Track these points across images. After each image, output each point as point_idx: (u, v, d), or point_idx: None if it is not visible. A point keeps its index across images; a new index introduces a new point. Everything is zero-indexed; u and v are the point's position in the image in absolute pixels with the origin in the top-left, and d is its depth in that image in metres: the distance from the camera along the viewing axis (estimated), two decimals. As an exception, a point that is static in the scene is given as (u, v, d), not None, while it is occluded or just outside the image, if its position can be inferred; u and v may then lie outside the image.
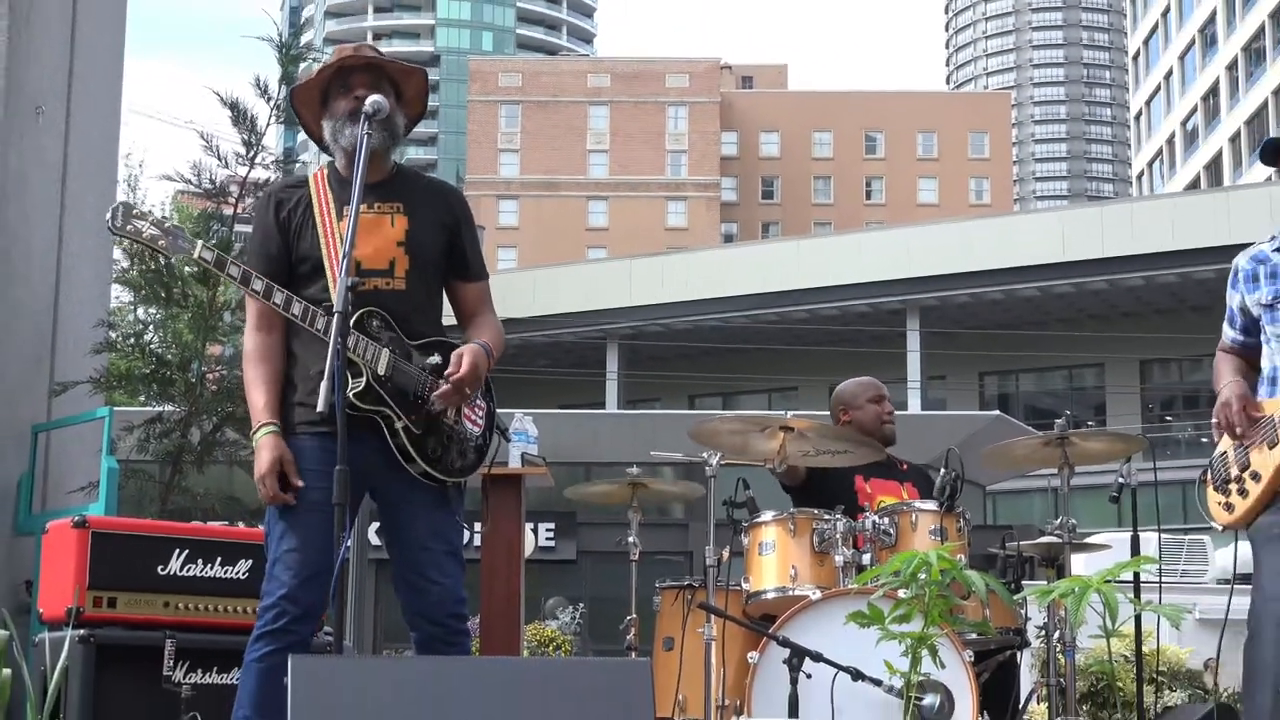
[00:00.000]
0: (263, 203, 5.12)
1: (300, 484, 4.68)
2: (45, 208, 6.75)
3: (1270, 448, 5.08)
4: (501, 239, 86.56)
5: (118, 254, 8.34)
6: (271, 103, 8.74)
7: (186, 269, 7.92)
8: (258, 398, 4.79)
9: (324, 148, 4.99)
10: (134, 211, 4.74)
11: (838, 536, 6.40)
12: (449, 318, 5.08)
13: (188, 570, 5.70)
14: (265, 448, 4.71)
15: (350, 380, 4.55)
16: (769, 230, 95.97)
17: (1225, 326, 5.42)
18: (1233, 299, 5.38)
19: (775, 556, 6.46)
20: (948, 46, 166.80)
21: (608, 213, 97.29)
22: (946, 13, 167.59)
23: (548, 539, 25.96)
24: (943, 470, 6.79)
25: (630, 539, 7.40)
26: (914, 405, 40.38)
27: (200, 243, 4.81)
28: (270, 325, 4.83)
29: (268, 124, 8.70)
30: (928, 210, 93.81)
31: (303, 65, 8.57)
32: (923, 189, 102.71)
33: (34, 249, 6.62)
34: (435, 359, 4.85)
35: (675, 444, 7.50)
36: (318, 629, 4.79)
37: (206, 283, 8.11)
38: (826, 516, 6.45)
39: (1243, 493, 5.17)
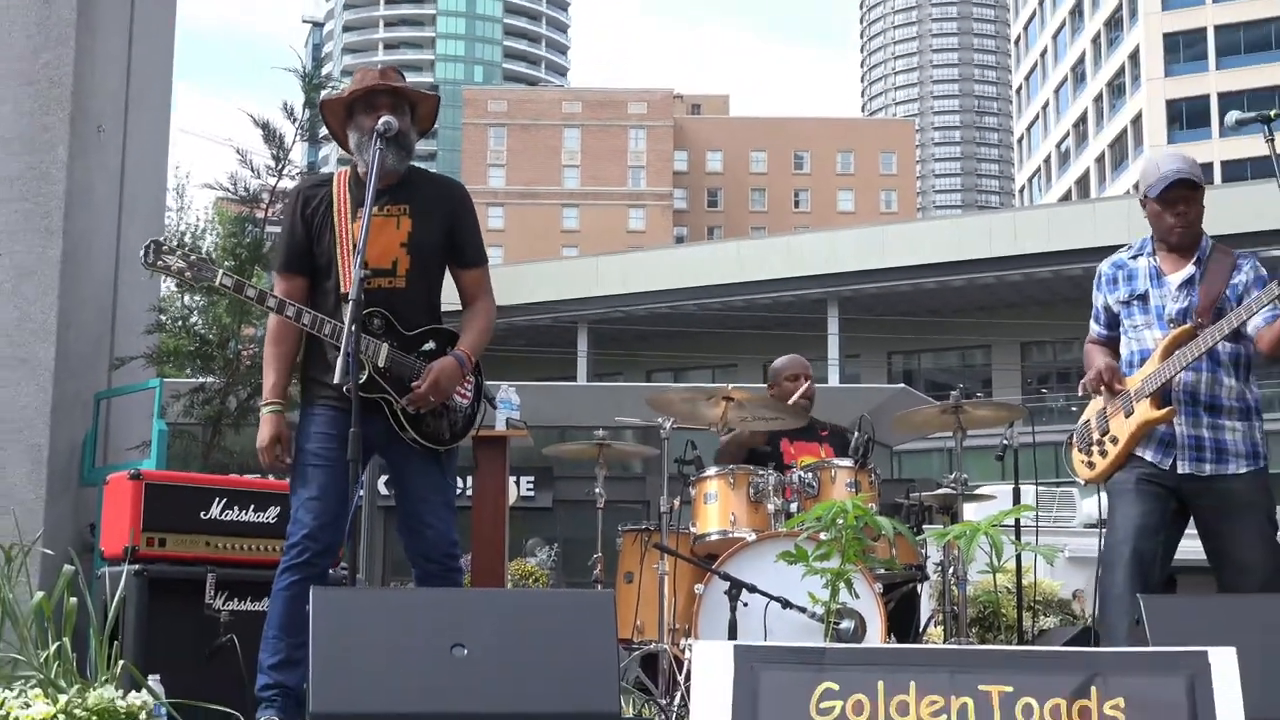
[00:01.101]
0: (293, 198, 5.08)
1: (288, 461, 4.73)
2: (106, 212, 6.71)
3: (1126, 417, 5.14)
4: (490, 239, 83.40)
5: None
6: (296, 123, 8.73)
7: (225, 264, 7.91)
8: (269, 377, 4.83)
9: (347, 150, 4.97)
10: (164, 248, 4.72)
11: (769, 489, 6.42)
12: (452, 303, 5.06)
13: (225, 515, 5.69)
14: (266, 424, 4.76)
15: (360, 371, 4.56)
16: (713, 233, 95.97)
17: (1092, 323, 5.45)
18: (1098, 299, 5.42)
19: (718, 505, 6.47)
20: (863, 80, 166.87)
21: (579, 218, 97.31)
22: (862, 51, 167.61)
23: (528, 490, 25.94)
24: (857, 433, 6.82)
25: (597, 490, 7.40)
26: (833, 379, 40.41)
27: (220, 271, 4.78)
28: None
29: (293, 141, 8.70)
30: (845, 217, 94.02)
31: (324, 91, 8.54)
32: (841, 199, 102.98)
33: (96, 247, 6.58)
34: (430, 346, 4.85)
35: (635, 411, 7.51)
36: (334, 564, 4.79)
37: (241, 274, 8.11)
38: (760, 472, 6.48)
39: (1103, 454, 5.21)
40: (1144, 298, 5.25)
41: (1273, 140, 5.02)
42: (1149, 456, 5.10)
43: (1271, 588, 4.86)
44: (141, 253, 4.68)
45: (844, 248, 44.45)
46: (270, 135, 8.63)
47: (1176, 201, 5.15)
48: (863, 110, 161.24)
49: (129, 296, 7.01)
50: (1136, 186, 5.42)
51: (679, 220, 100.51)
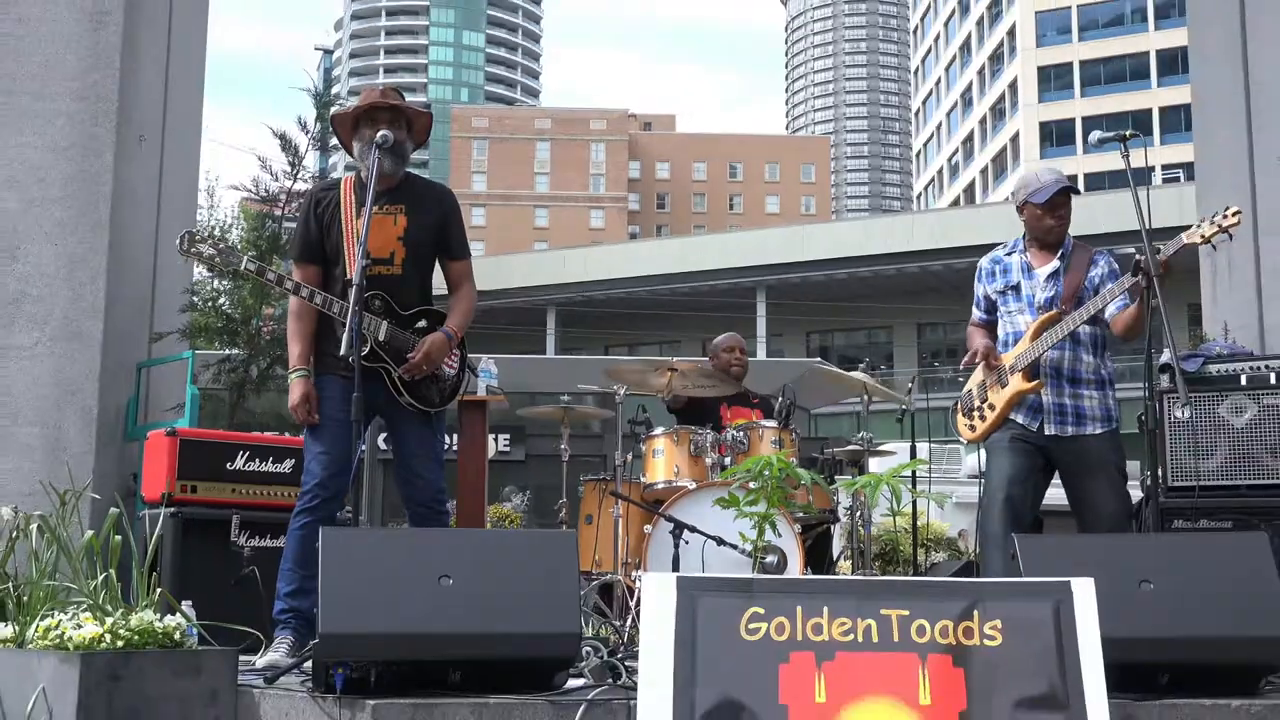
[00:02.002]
0: (307, 199, 5.08)
1: (317, 417, 4.70)
2: (146, 209, 6.64)
3: (1002, 388, 5.17)
4: (473, 235, 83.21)
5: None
6: (309, 135, 8.71)
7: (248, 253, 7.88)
8: (294, 349, 4.80)
9: (353, 157, 4.95)
10: (197, 237, 4.72)
11: (707, 445, 6.43)
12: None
13: (248, 466, 5.66)
14: (296, 387, 4.74)
15: (363, 346, 4.55)
16: (661, 231, 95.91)
17: (974, 309, 5.47)
18: (978, 289, 5.45)
19: (664, 459, 6.48)
20: (787, 103, 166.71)
21: (548, 217, 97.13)
22: (786, 79, 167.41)
23: (505, 446, 25.80)
24: (780, 399, 6.84)
25: (563, 446, 7.38)
26: (761, 354, 40.45)
27: (245, 256, 4.83)
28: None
29: (306, 150, 8.68)
30: (772, 218, 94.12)
31: (333, 108, 8.53)
32: (769, 203, 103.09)
33: (138, 239, 6.52)
34: (423, 324, 4.86)
35: (594, 380, 7.49)
36: (341, 508, 4.77)
37: (262, 262, 8.09)
38: (699, 431, 6.49)
39: (982, 418, 5.24)
40: (1017, 288, 5.28)
41: (1128, 156, 5.08)
42: (1020, 420, 5.13)
43: (1121, 528, 4.92)
44: (177, 241, 4.67)
45: (770, 244, 44.52)
46: (287, 145, 8.63)
47: (1057, 206, 5.19)
48: (787, 128, 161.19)
49: (166, 281, 6.97)
50: (1014, 195, 5.43)
51: (632, 220, 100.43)
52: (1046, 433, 5.08)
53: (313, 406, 4.72)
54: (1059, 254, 5.24)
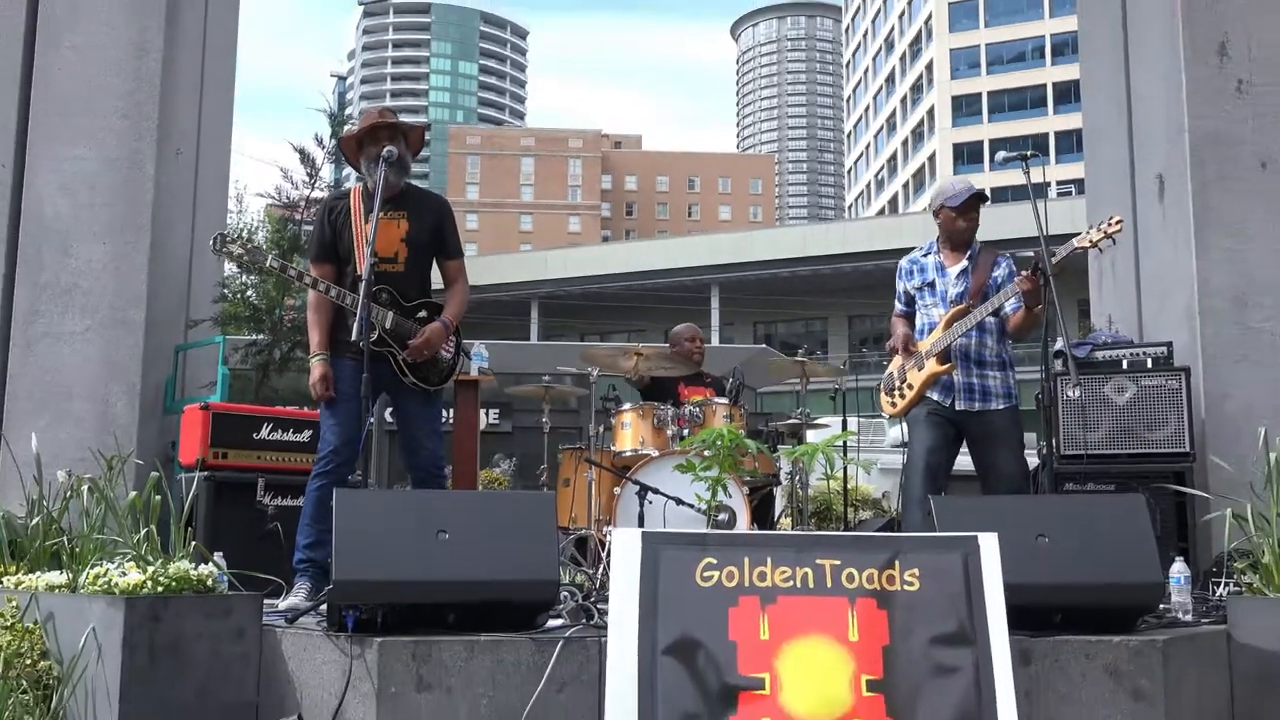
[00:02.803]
0: (322, 208, 5.06)
1: (333, 394, 4.68)
2: (182, 213, 6.56)
3: (919, 370, 5.19)
4: (467, 238, 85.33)
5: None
6: (325, 150, 8.65)
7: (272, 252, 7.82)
8: (314, 336, 4.78)
9: (359, 171, 4.92)
10: (228, 238, 4.71)
11: (668, 419, 6.43)
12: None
13: (272, 436, 5.63)
14: (316, 368, 4.73)
15: (371, 333, 4.53)
16: (629, 235, 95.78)
17: (896, 302, 5.48)
18: (900, 285, 5.46)
19: (631, 430, 6.48)
20: (737, 125, 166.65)
21: (532, 222, 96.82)
22: (737, 104, 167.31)
23: (494, 419, 25.73)
24: (731, 379, 6.85)
25: (544, 420, 7.37)
26: (714, 341, 40.49)
27: (270, 255, 4.82)
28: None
29: (322, 162, 8.63)
30: (725, 224, 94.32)
31: (345, 128, 8.47)
32: (722, 211, 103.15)
33: (175, 239, 6.45)
34: (424, 314, 4.85)
35: (572, 363, 7.48)
36: (352, 472, 4.76)
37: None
38: (661, 407, 6.48)
39: (903, 396, 5.26)
40: (932, 285, 5.29)
41: (1028, 172, 5.10)
42: (935, 397, 5.15)
43: (1020, 490, 4.96)
44: (210, 242, 4.65)
45: (723, 247, 44.58)
46: (305, 158, 8.60)
47: (969, 210, 5.21)
48: (737, 147, 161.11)
49: (200, 276, 6.90)
50: (932, 200, 5.45)
51: (605, 225, 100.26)
52: (957, 408, 5.10)
53: (329, 385, 4.70)
54: (968, 254, 5.26)
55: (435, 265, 4.99)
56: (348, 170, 5.42)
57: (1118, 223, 4.76)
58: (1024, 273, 4.93)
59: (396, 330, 4.74)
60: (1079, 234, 4.85)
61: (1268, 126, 5.47)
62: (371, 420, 4.56)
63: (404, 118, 4.98)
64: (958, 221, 5.21)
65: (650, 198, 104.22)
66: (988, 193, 5.39)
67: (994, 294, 5.10)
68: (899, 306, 5.47)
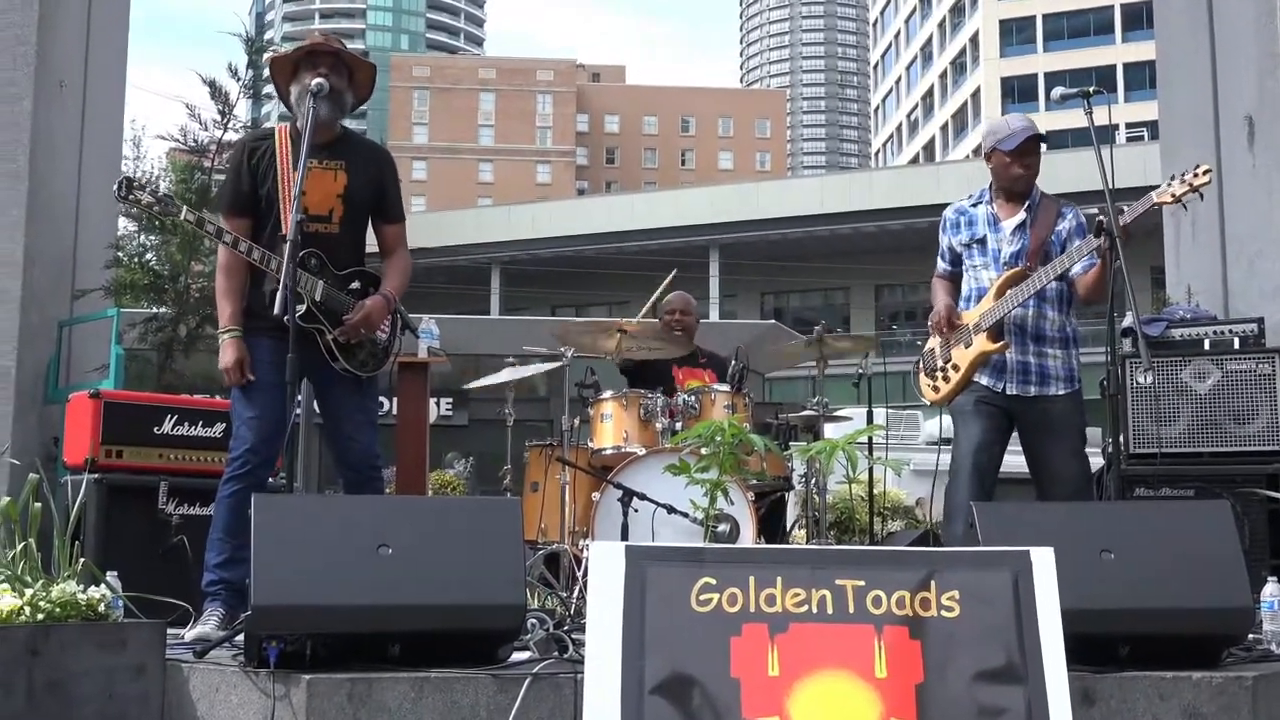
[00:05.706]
0: (239, 149, 5.00)
1: (253, 376, 4.64)
2: (68, 158, 6.54)
3: (966, 347, 5.18)
4: (414, 190, 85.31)
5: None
6: (240, 82, 8.60)
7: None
8: (225, 307, 4.73)
9: (289, 106, 4.88)
10: (135, 184, 4.64)
11: (658, 410, 6.43)
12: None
13: (176, 430, 5.62)
14: (229, 347, 4.68)
15: (299, 304, 4.51)
16: (610, 187, 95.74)
17: (939, 261, 5.47)
18: (943, 240, 5.44)
19: (612, 423, 6.47)
20: (741, 55, 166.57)
21: (493, 171, 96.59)
22: (741, 30, 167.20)
23: (447, 410, 25.77)
24: (734, 362, 6.84)
25: (507, 410, 7.35)
26: (714, 315, 40.55)
27: (185, 208, 4.72)
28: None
29: (237, 98, 8.58)
30: (725, 174, 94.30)
31: (265, 55, 8.41)
32: (722, 159, 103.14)
33: (58, 190, 6.42)
34: (356, 285, 4.81)
35: (541, 342, 7.46)
36: (273, 474, 4.73)
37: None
38: (649, 395, 6.48)
39: (946, 380, 5.25)
40: (982, 241, 5.28)
41: (1091, 113, 5.06)
42: (985, 381, 5.15)
43: (1081, 495, 4.96)
44: (115, 187, 4.59)
45: (724, 201, 44.56)
46: (216, 92, 8.54)
47: (1026, 154, 5.20)
48: (741, 81, 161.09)
49: (89, 235, 6.87)
50: (979, 149, 5.45)
51: (580, 175, 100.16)
52: (1009, 393, 5.10)
53: (245, 368, 4.67)
54: (1025, 205, 5.24)
55: (370, 228, 4.97)
56: (269, 108, 5.38)
57: (1205, 172, 4.68)
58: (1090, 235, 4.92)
59: (327, 303, 4.71)
60: (1154, 188, 4.82)
61: (1381, 57, 5.48)
62: (298, 411, 4.54)
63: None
64: (1013, 168, 5.20)
65: (635, 142, 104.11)
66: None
67: (1057, 252, 5.08)
68: (941, 265, 5.44)
